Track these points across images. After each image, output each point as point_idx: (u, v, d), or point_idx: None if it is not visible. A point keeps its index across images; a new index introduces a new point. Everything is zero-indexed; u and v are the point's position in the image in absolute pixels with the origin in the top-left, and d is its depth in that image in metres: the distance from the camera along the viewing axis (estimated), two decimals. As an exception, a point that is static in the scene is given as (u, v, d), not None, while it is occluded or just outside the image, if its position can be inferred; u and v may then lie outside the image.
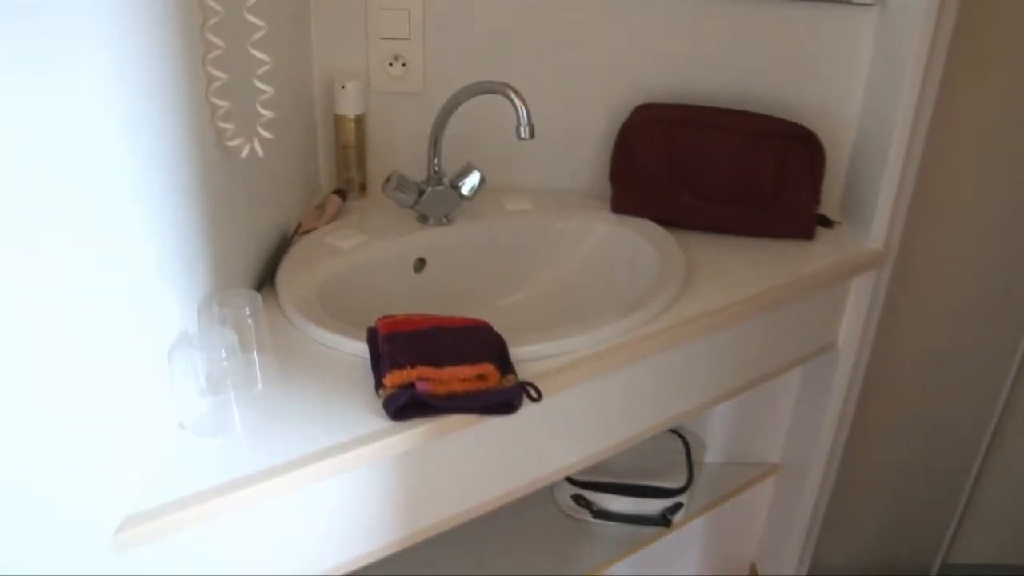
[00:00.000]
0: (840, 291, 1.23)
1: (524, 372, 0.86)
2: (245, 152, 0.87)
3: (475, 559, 1.28)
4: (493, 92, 1.04)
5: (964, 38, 1.17)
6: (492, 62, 1.21)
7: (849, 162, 1.26)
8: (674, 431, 1.46)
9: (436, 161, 1.14)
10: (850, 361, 1.30)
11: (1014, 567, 1.72)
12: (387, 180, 1.13)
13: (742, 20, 1.19)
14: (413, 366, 0.81)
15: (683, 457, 1.41)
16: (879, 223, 1.18)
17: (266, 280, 1.02)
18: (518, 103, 1.01)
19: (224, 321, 0.80)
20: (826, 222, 1.23)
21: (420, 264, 1.14)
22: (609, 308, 1.00)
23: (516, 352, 0.88)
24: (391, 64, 1.21)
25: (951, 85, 1.20)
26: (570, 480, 1.35)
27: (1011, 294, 1.42)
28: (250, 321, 0.81)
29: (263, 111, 0.89)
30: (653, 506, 1.35)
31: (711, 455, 1.51)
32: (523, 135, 1.02)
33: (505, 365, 0.85)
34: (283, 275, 1.01)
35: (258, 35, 0.85)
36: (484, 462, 0.90)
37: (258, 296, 0.82)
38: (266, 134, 0.89)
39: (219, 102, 0.82)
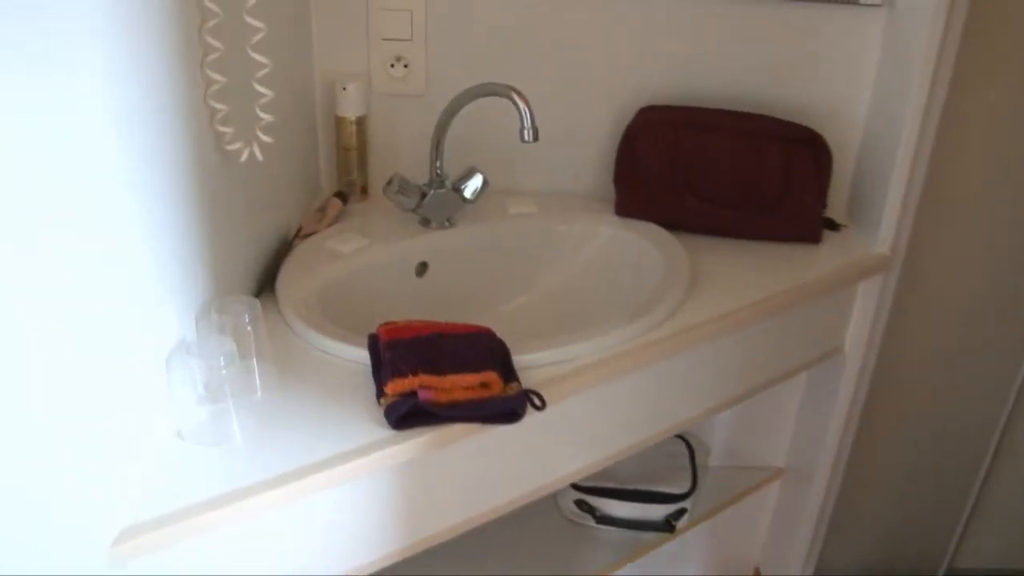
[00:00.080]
0: (847, 295, 1.22)
1: (528, 380, 0.85)
2: (244, 156, 0.86)
3: (476, 565, 1.27)
4: (496, 94, 1.03)
5: (973, 38, 1.15)
6: (495, 63, 1.20)
7: (856, 164, 1.24)
8: (678, 436, 1.45)
9: (438, 164, 1.13)
10: (857, 365, 1.29)
11: (1022, 571, 1.71)
12: (389, 183, 1.12)
13: (748, 20, 1.17)
14: (415, 374, 0.80)
15: (687, 462, 1.39)
16: (887, 226, 1.17)
17: (266, 284, 1.01)
18: (522, 106, 1.00)
19: (223, 328, 0.79)
20: (832, 225, 1.22)
21: (422, 268, 1.13)
22: (613, 313, 0.98)
23: (520, 359, 0.87)
24: (393, 65, 1.20)
25: (960, 86, 1.18)
26: (573, 485, 1.34)
27: (1020, 295, 1.41)
28: (249, 328, 0.80)
29: (262, 114, 0.88)
30: (657, 512, 1.34)
31: (715, 459, 1.50)
32: (527, 138, 1.00)
33: (509, 373, 0.84)
34: (283, 279, 1.00)
35: (258, 37, 0.83)
36: (487, 470, 0.89)
37: (257, 303, 0.81)
38: (266, 138, 0.88)
39: (218, 105, 0.81)
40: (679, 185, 1.17)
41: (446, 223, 1.15)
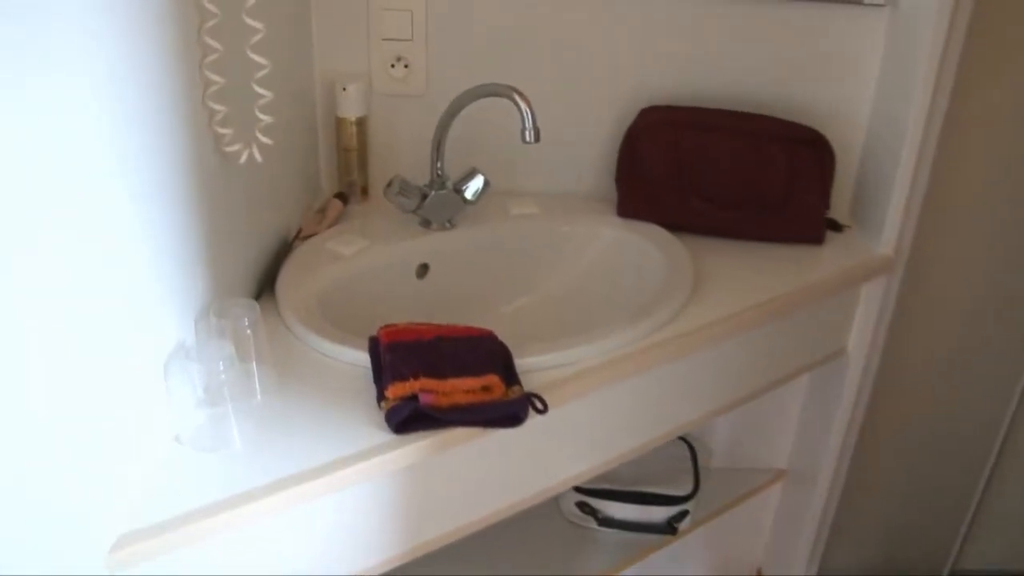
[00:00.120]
0: (850, 296, 1.21)
1: (530, 383, 0.84)
2: (244, 158, 0.86)
3: (476, 566, 1.26)
4: (497, 95, 1.02)
5: (978, 38, 1.15)
6: (496, 64, 1.19)
7: (859, 165, 1.24)
8: (680, 437, 1.44)
9: (439, 164, 1.12)
10: (860, 366, 1.28)
11: (1025, 573, 1.70)
12: (389, 184, 1.11)
13: (750, 20, 1.16)
14: (416, 377, 0.79)
15: (689, 464, 1.39)
16: (890, 227, 1.16)
17: (266, 287, 1.01)
18: (523, 106, 0.99)
19: (222, 332, 0.78)
20: (836, 226, 1.21)
21: (423, 270, 1.12)
22: (616, 314, 0.98)
23: (521, 362, 0.86)
24: (393, 65, 1.19)
25: (964, 86, 1.17)
26: (575, 487, 1.33)
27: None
28: (249, 332, 0.79)
29: (262, 116, 0.87)
30: (659, 514, 1.33)
31: (717, 461, 1.49)
32: (528, 139, 1.00)
33: (510, 376, 0.83)
34: (283, 282, 0.99)
35: (257, 38, 0.83)
36: (488, 474, 0.88)
37: (256, 306, 0.80)
38: (265, 139, 0.87)
39: (217, 107, 0.80)
40: (681, 186, 1.16)
41: (447, 224, 1.14)
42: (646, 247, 1.13)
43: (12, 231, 0.51)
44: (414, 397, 0.78)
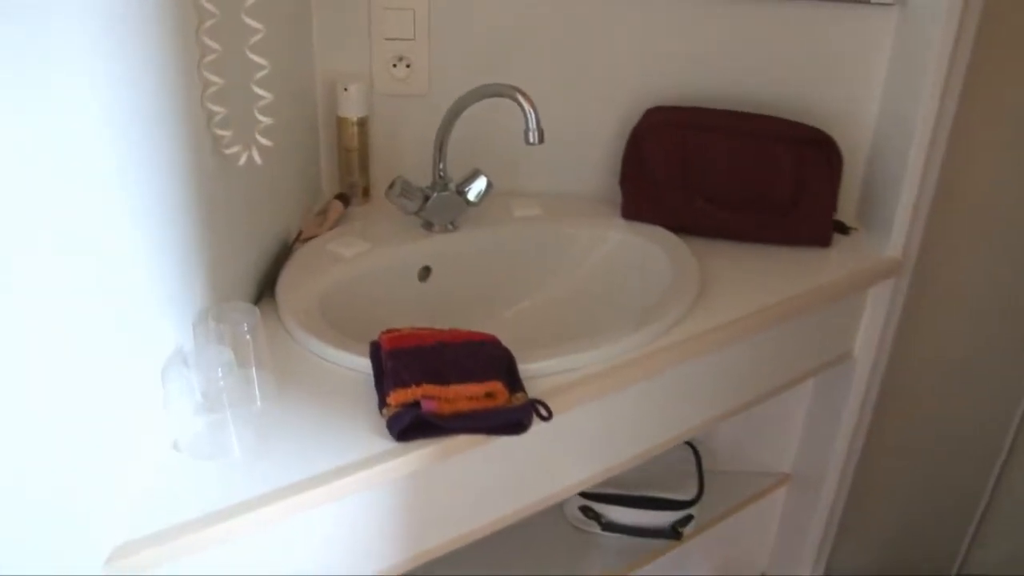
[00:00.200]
0: (857, 299, 1.20)
1: (534, 389, 0.83)
2: (243, 160, 0.84)
3: (479, 571, 1.25)
4: (500, 95, 1.01)
5: (987, 38, 1.13)
6: (499, 63, 1.18)
7: (866, 166, 1.22)
8: (684, 441, 1.43)
9: (441, 165, 1.11)
10: (867, 370, 1.27)
11: (1031, 577, 1.69)
12: (391, 185, 1.09)
13: (755, 20, 1.15)
14: (418, 384, 0.78)
15: (693, 468, 1.37)
16: (898, 230, 1.15)
17: (265, 290, 0.99)
18: (527, 107, 0.98)
19: (221, 337, 0.77)
20: (843, 228, 1.20)
21: (425, 272, 1.11)
22: (620, 318, 0.96)
23: (525, 368, 0.85)
24: (395, 65, 1.17)
25: (973, 86, 1.16)
26: (579, 492, 1.32)
27: (1032, 301, 1.39)
28: (248, 337, 0.78)
29: (261, 117, 0.85)
30: (663, 518, 1.32)
31: (721, 465, 1.48)
32: (532, 140, 0.98)
33: (514, 382, 0.82)
34: (283, 285, 0.98)
35: (256, 38, 0.81)
36: (491, 482, 0.87)
37: (256, 311, 0.79)
38: (265, 141, 0.86)
39: (216, 108, 0.79)
40: (687, 187, 1.15)
41: (449, 226, 1.13)
42: (651, 249, 1.12)
43: (12, 231, 0.50)
44: (416, 404, 0.77)
